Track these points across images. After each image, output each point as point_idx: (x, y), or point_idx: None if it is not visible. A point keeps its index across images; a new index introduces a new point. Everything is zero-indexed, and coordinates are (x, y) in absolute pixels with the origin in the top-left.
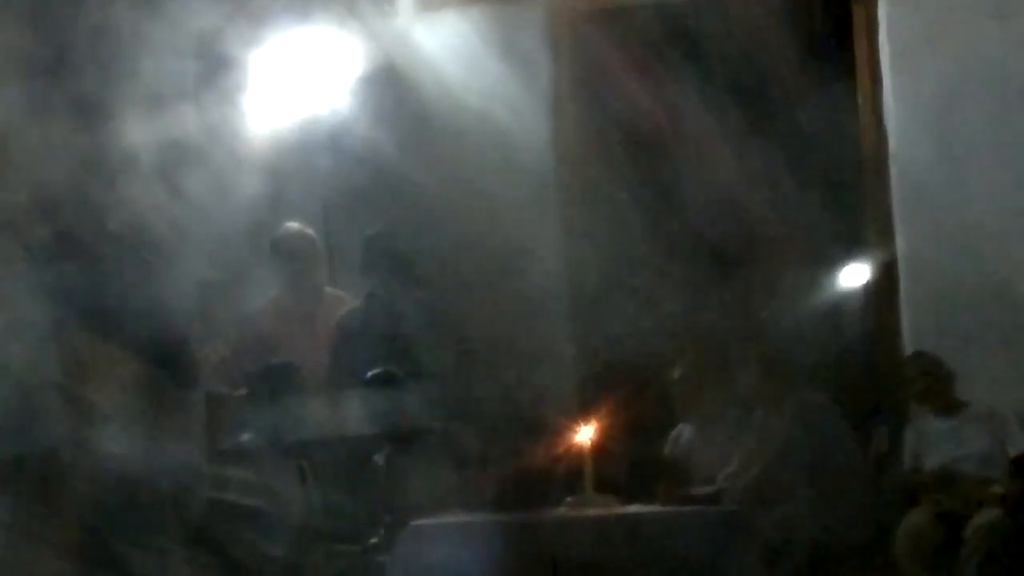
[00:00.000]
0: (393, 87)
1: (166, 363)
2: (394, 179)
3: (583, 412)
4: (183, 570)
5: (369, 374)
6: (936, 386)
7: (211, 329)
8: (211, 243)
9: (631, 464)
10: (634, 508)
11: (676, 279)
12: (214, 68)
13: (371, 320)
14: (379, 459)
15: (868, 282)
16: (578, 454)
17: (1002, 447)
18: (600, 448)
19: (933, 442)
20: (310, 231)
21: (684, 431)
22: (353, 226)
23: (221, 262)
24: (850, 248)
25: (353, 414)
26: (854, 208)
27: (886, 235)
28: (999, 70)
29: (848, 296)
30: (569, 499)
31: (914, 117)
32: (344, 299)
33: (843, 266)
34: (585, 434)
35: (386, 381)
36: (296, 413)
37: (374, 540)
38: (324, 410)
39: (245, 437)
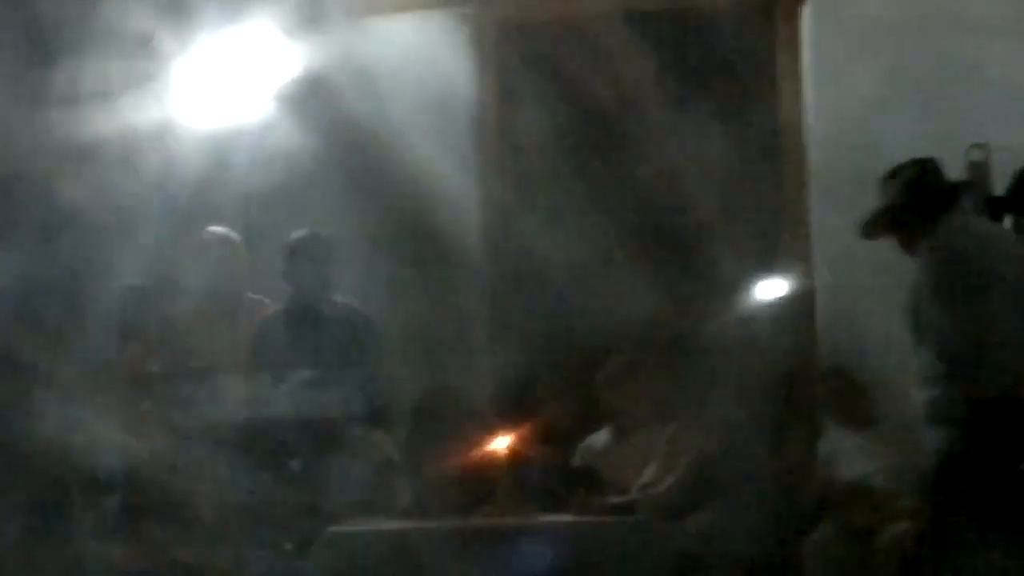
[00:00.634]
0: (320, 93)
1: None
2: (319, 184)
3: (501, 420)
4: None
5: (293, 377)
6: (849, 401)
7: (132, 331)
8: (134, 245)
9: (548, 472)
10: (549, 517)
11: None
12: (139, 69)
13: (292, 324)
14: (296, 464)
15: (785, 296)
16: (495, 462)
17: (912, 462)
18: (517, 455)
19: (845, 456)
20: (232, 234)
21: (596, 440)
22: (276, 231)
23: (144, 265)
24: (768, 262)
25: (272, 417)
26: (773, 225)
27: (804, 249)
28: (920, 86)
29: (765, 310)
30: (485, 507)
31: (836, 132)
32: (265, 304)
33: (761, 280)
34: (502, 442)
35: (309, 384)
36: (214, 415)
37: (289, 546)
38: (242, 413)
39: (163, 441)
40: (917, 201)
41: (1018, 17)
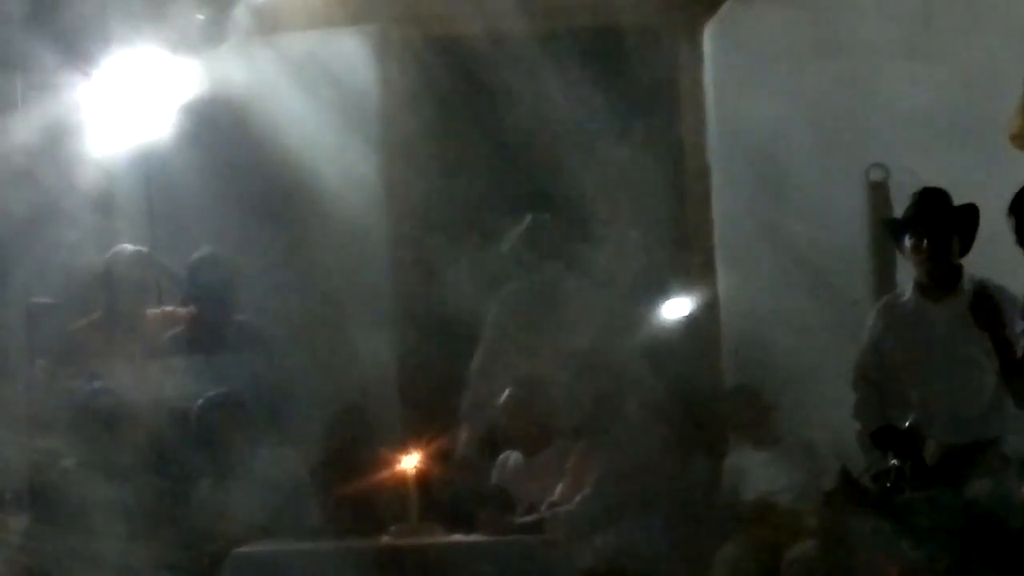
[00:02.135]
0: (221, 112)
1: None
2: (222, 202)
3: (408, 439)
4: None
5: (206, 395)
6: (755, 419)
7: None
8: (39, 264)
9: (456, 492)
10: (458, 537)
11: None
12: (41, 85)
13: (195, 343)
14: (203, 484)
15: (690, 315)
16: (402, 482)
17: (817, 480)
18: (425, 475)
19: (750, 474)
20: (143, 252)
21: (511, 458)
22: (180, 249)
23: (50, 282)
24: (673, 282)
25: (178, 437)
26: (677, 243)
27: (708, 270)
28: (820, 107)
29: (671, 329)
30: (394, 527)
31: (736, 153)
32: (174, 315)
33: (664, 298)
34: (409, 460)
35: (218, 404)
36: (118, 437)
37: (197, 567)
38: (148, 433)
39: (66, 463)
40: None
41: (911, 40)
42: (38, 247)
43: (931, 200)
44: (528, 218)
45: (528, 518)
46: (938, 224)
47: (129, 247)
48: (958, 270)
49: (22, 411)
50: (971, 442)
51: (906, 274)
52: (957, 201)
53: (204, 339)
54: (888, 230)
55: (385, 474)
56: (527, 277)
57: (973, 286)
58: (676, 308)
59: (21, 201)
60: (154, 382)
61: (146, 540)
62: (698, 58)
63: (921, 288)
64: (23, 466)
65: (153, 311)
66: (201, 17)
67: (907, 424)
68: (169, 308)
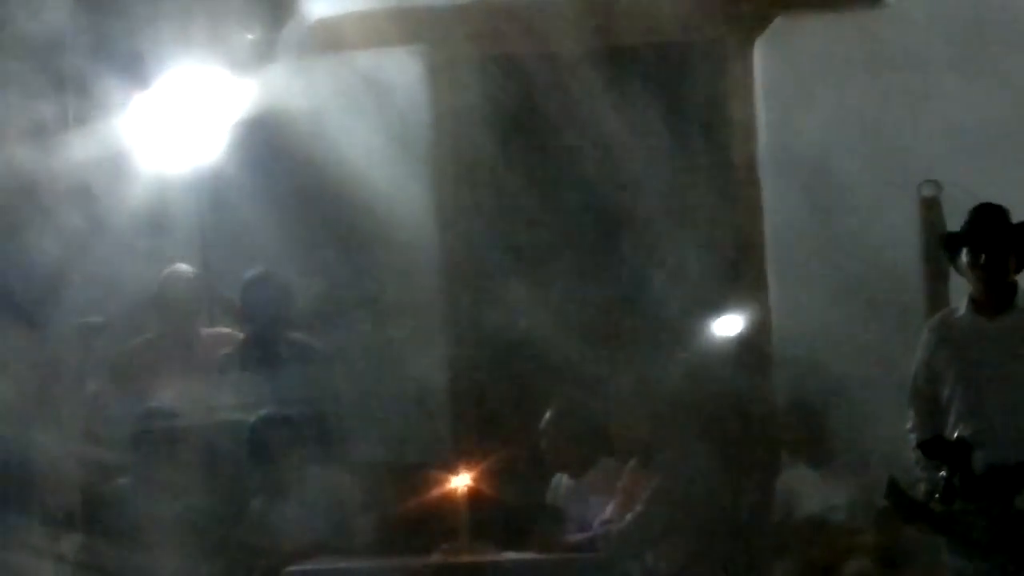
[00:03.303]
0: (274, 131)
1: None
2: (274, 222)
3: (460, 458)
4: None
5: (259, 415)
6: (808, 437)
7: (89, 365)
8: (92, 284)
9: (507, 511)
10: (510, 555)
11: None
12: (95, 105)
13: (249, 362)
14: (256, 503)
15: (742, 333)
16: (454, 500)
17: (870, 497)
18: (477, 494)
19: (803, 493)
20: (192, 271)
21: (563, 480)
22: (233, 269)
23: (104, 301)
24: (724, 300)
25: (232, 456)
26: (729, 260)
27: (760, 286)
28: (871, 125)
29: (722, 347)
30: (445, 546)
31: (788, 169)
32: (227, 336)
33: (718, 318)
34: (461, 480)
35: (274, 423)
36: (173, 456)
37: None
38: (202, 452)
39: (122, 481)
40: None
41: (963, 54)
42: (91, 267)
43: (989, 216)
44: None
45: (580, 536)
46: (996, 240)
47: (182, 267)
48: (1014, 287)
49: (76, 430)
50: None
51: (958, 291)
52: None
53: (257, 357)
54: (944, 245)
55: (437, 492)
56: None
57: None
58: (728, 325)
59: (75, 221)
60: (208, 401)
61: (200, 558)
62: (749, 74)
63: (976, 304)
64: (78, 484)
65: (207, 331)
66: (251, 37)
67: (956, 436)
68: (224, 330)
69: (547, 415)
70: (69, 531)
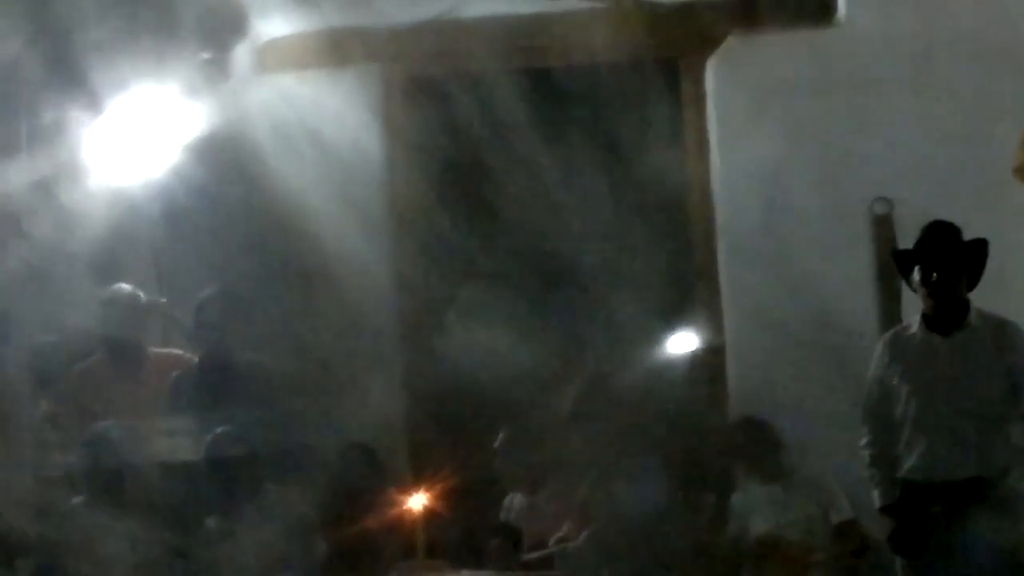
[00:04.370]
0: (228, 150)
1: None
2: (227, 238)
3: (414, 476)
4: None
5: (216, 431)
6: (761, 453)
7: (42, 384)
8: (42, 301)
9: (463, 529)
10: (466, 573)
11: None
12: (47, 127)
13: (204, 382)
14: (210, 521)
15: (694, 349)
16: (409, 519)
17: (825, 514)
18: (431, 512)
19: (758, 509)
20: (137, 291)
21: (515, 498)
22: (188, 286)
23: (53, 320)
24: (676, 315)
25: (186, 475)
26: (681, 279)
27: (712, 305)
28: (824, 141)
29: (676, 363)
30: (400, 564)
31: (740, 187)
32: (178, 358)
33: (669, 333)
34: (416, 499)
35: (225, 442)
36: (126, 470)
37: None
38: (155, 467)
39: (76, 499)
40: None
41: (914, 75)
42: (43, 286)
43: (941, 233)
44: None
45: (536, 554)
46: (948, 258)
47: (123, 287)
48: (966, 304)
49: (28, 451)
50: (977, 476)
51: (911, 307)
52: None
53: (211, 378)
54: (897, 262)
55: (392, 512)
56: None
57: (984, 321)
58: (682, 343)
59: (25, 240)
60: (159, 422)
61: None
62: (701, 94)
63: (928, 321)
64: (30, 505)
65: (157, 351)
66: (206, 56)
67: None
68: (175, 351)
69: (500, 435)
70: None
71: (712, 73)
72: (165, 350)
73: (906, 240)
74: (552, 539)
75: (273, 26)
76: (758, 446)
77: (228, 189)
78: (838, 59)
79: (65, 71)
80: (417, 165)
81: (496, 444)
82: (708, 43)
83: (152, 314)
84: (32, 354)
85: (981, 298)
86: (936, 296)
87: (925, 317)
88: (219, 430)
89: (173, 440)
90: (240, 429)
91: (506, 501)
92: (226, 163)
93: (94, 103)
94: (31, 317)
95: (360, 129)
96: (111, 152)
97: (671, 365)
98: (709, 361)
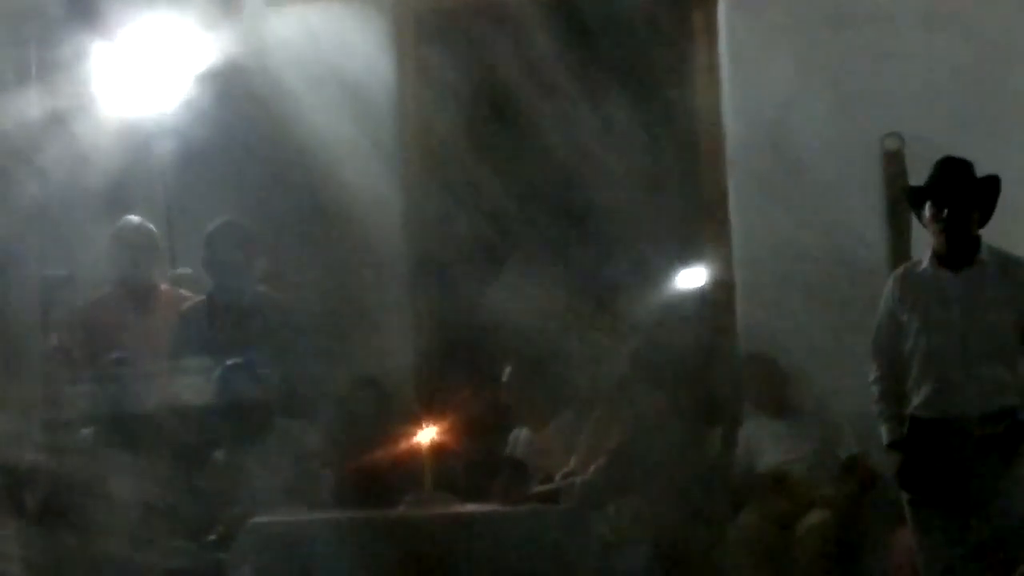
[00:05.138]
0: (239, 81)
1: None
2: (239, 172)
3: (422, 410)
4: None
5: (227, 364)
6: (769, 389)
7: (52, 318)
8: (53, 235)
9: (470, 463)
10: (472, 507)
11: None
12: (56, 57)
13: (214, 314)
14: (219, 454)
15: (704, 284)
16: (417, 452)
17: (832, 450)
18: (439, 446)
19: (765, 444)
20: (147, 224)
21: (521, 434)
22: (198, 220)
23: (64, 253)
24: (686, 250)
25: (194, 408)
26: (692, 213)
27: (722, 238)
28: (835, 76)
29: (684, 298)
30: (408, 497)
31: (751, 121)
32: (183, 296)
33: (679, 268)
34: (424, 433)
35: (230, 374)
36: (135, 403)
37: (212, 536)
38: (164, 403)
39: (85, 431)
40: None
41: (927, 9)
42: (53, 219)
43: (953, 170)
44: None
45: (543, 488)
46: (959, 194)
47: (133, 218)
48: (977, 241)
49: (38, 383)
50: (986, 412)
51: (920, 244)
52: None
53: (220, 311)
54: (909, 198)
55: (400, 446)
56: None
57: (995, 257)
58: (690, 278)
59: (35, 173)
60: (171, 353)
61: (162, 509)
62: (712, 31)
63: (939, 258)
64: (39, 437)
65: (168, 288)
66: None
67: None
68: (184, 292)
69: (507, 369)
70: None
71: (724, 7)
72: (179, 289)
73: (917, 176)
74: (559, 474)
75: None
76: (766, 381)
77: (241, 122)
78: None
79: (78, 2)
80: (434, 99)
81: (503, 378)
82: None
83: (156, 245)
84: (41, 288)
85: (992, 234)
86: (947, 232)
87: (936, 254)
88: (228, 363)
89: (182, 373)
90: (249, 363)
91: (512, 436)
92: (239, 96)
93: (106, 35)
94: (41, 251)
95: (376, 61)
96: (123, 85)
97: (681, 300)
98: (719, 297)
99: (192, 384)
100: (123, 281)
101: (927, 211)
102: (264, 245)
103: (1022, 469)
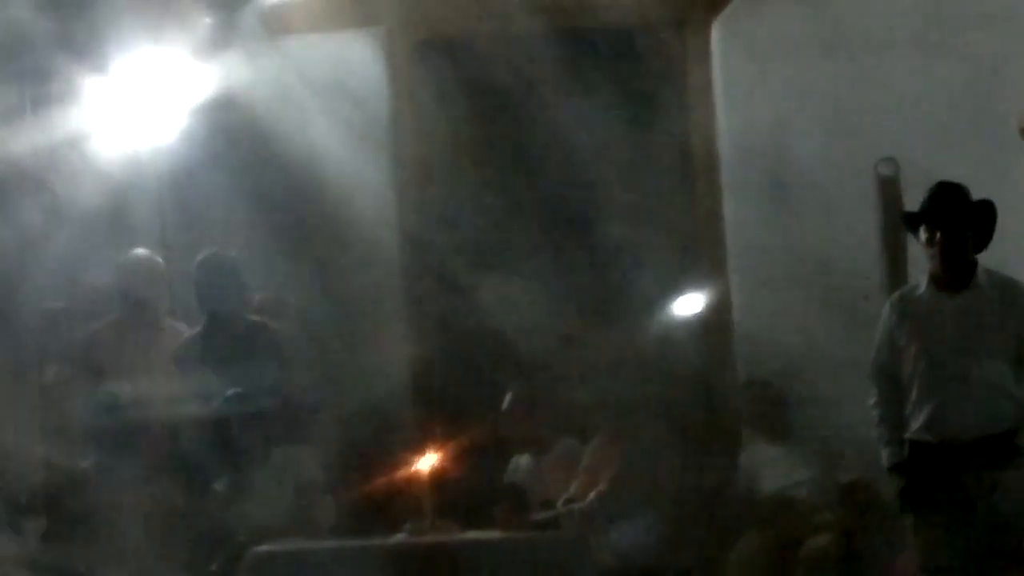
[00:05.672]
0: (237, 111)
1: None
2: (234, 204)
3: (422, 437)
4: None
5: (226, 394)
6: (769, 413)
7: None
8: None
9: (471, 491)
10: (473, 534)
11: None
12: (54, 90)
13: (209, 345)
14: (219, 483)
15: (702, 311)
16: (417, 479)
17: (833, 474)
18: (439, 473)
19: (766, 469)
20: (155, 257)
21: (522, 460)
22: (194, 254)
23: (63, 287)
24: (682, 274)
25: (194, 438)
26: (687, 240)
27: (719, 266)
28: (829, 100)
29: (682, 325)
30: (409, 525)
31: (747, 146)
32: (180, 330)
33: (677, 295)
34: (425, 461)
35: (239, 401)
36: (134, 433)
37: (213, 567)
38: (164, 434)
39: (84, 464)
40: None
41: (920, 34)
42: (51, 252)
43: (948, 194)
44: None
45: (544, 515)
46: (954, 218)
47: (141, 252)
48: (973, 264)
49: (36, 415)
50: (986, 435)
51: (917, 269)
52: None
53: (218, 340)
54: (905, 223)
55: (401, 473)
56: None
57: (991, 280)
58: (687, 305)
59: (33, 207)
60: (169, 384)
61: (163, 540)
62: (706, 55)
63: (936, 282)
64: (38, 469)
65: (170, 320)
66: (209, 21)
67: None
68: (180, 325)
69: (508, 396)
70: (31, 517)
71: (718, 33)
72: (177, 323)
73: (912, 201)
74: (560, 500)
75: None
76: (764, 405)
77: (234, 154)
78: (844, 19)
79: (71, 35)
80: (424, 126)
81: (504, 406)
82: (713, 4)
83: (163, 280)
84: (41, 320)
85: (987, 258)
86: (943, 256)
87: (933, 277)
88: (228, 392)
89: (181, 402)
90: (248, 390)
91: (512, 462)
92: (234, 126)
93: (100, 67)
94: (39, 278)
95: (367, 91)
96: (117, 116)
97: (678, 327)
98: (716, 322)
99: (191, 412)
100: (130, 311)
101: (922, 235)
102: (255, 274)
103: (1021, 492)
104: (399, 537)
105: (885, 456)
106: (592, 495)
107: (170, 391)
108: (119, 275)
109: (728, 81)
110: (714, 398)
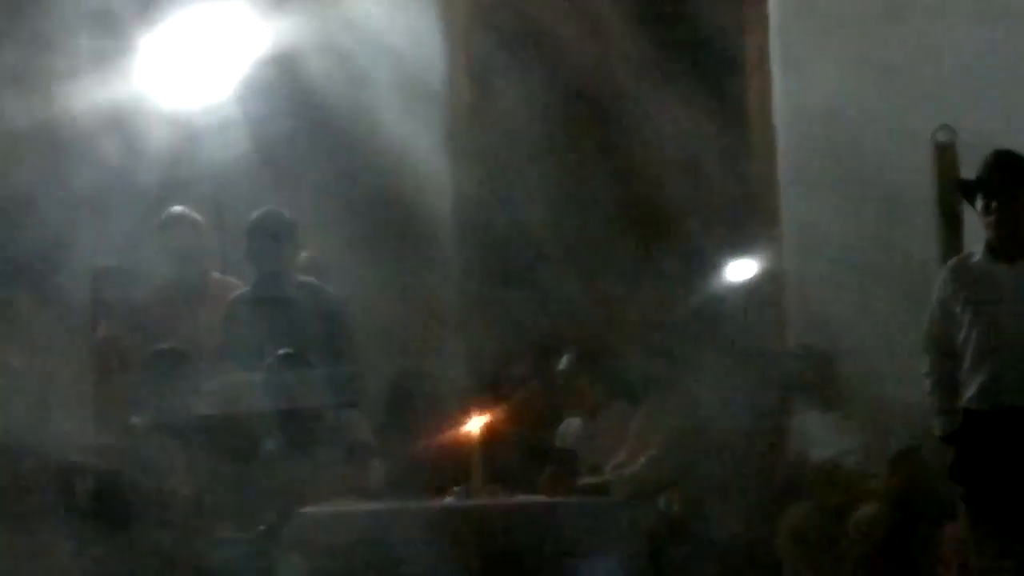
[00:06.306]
0: (290, 71)
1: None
2: (290, 163)
3: (473, 401)
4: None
5: (277, 354)
6: (820, 380)
7: (104, 311)
8: (103, 225)
9: (519, 454)
10: (522, 497)
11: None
12: (106, 46)
13: (259, 305)
14: (269, 444)
15: (754, 276)
16: (467, 444)
17: (884, 441)
18: (489, 436)
19: (817, 436)
20: (193, 214)
21: (571, 423)
22: (247, 210)
23: (114, 244)
24: (737, 243)
25: (244, 399)
26: (741, 202)
27: (773, 231)
28: (886, 69)
29: (735, 290)
30: (457, 488)
31: (804, 114)
32: (234, 285)
33: (731, 260)
34: (474, 424)
35: (290, 362)
36: (186, 396)
37: (263, 527)
38: (214, 394)
39: (134, 420)
40: None
41: (981, 2)
42: (104, 210)
43: (1005, 162)
44: None
45: (592, 479)
46: (1011, 187)
47: (179, 209)
48: None
49: (87, 373)
50: None
51: (972, 236)
52: None
53: (267, 298)
54: (962, 191)
55: (449, 436)
56: None
57: None
58: (742, 270)
59: (87, 164)
60: (220, 344)
61: (212, 499)
62: (764, 22)
63: (992, 250)
64: (88, 426)
65: (217, 277)
66: None
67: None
68: (234, 280)
69: (563, 358)
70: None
71: (775, 1)
72: (229, 277)
73: (968, 168)
74: (609, 464)
75: None
76: (817, 372)
77: (293, 113)
78: None
79: None
80: (483, 83)
81: (559, 367)
82: None
83: (206, 237)
84: (93, 278)
85: None
86: (999, 225)
87: (989, 245)
88: (278, 353)
89: (231, 363)
90: (298, 350)
91: (562, 425)
92: (288, 85)
93: (159, 25)
94: (91, 242)
95: (425, 49)
96: (171, 73)
97: (732, 291)
98: (769, 288)
99: (241, 374)
100: (172, 271)
101: (979, 203)
102: (306, 234)
103: None
104: (448, 500)
105: (938, 425)
106: (642, 460)
107: (220, 348)
108: (159, 234)
109: (785, 48)
110: (765, 363)
